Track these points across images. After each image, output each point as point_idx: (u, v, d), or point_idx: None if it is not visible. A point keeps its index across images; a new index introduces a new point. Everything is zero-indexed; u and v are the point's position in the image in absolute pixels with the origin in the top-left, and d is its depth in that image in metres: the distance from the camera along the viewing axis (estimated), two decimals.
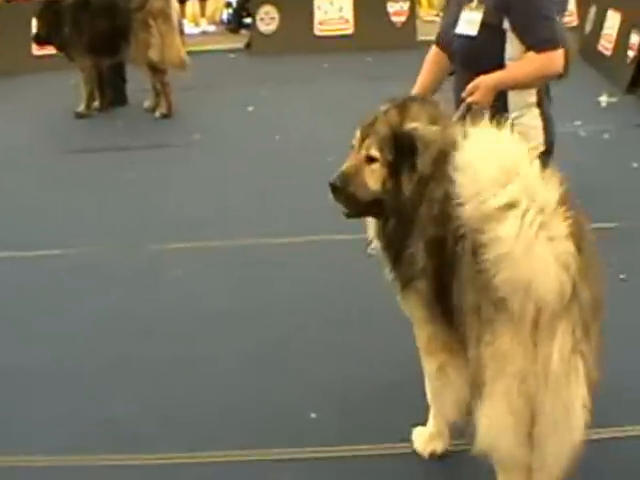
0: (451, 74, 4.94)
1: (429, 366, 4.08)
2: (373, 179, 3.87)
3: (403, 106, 3.96)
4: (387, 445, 4.38)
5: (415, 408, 4.35)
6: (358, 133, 3.96)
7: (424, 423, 4.28)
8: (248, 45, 15.82)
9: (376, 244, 4.10)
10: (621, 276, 5.75)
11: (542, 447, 3.37)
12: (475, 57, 4.49)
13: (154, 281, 6.51)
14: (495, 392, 3.33)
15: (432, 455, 4.24)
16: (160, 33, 11.10)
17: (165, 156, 9.69)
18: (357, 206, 3.94)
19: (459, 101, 4.50)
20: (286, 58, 14.14)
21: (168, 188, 8.54)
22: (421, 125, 3.82)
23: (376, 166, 3.85)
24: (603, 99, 10.45)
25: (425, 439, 4.28)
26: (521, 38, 4.50)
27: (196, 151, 9.81)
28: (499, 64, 4.54)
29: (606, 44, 12.15)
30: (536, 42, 4.47)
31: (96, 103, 11.67)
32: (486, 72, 4.46)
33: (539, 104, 4.59)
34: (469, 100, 4.32)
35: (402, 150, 3.80)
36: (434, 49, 4.90)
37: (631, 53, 11.17)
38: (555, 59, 4.45)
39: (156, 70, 11.19)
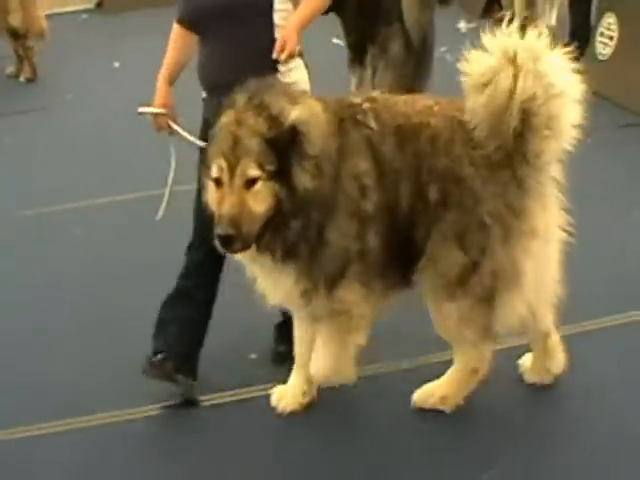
0: None
1: (358, 341, 3.81)
2: (259, 201, 3.38)
3: (255, 106, 3.43)
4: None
5: None
6: (223, 163, 3.38)
7: None
8: (99, 4, 15.25)
9: (263, 262, 3.60)
10: None
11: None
12: (241, 6, 4.01)
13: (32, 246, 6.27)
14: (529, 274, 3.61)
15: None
16: None
17: (38, 119, 9.30)
18: (252, 240, 3.44)
19: (216, 73, 4.06)
20: (140, 12, 13.61)
21: (44, 151, 8.21)
22: (296, 110, 3.42)
23: (259, 185, 3.37)
24: (462, 25, 10.55)
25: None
26: None
27: (70, 111, 9.45)
28: (267, 14, 4.07)
29: None
30: None
31: None
32: (252, 25, 4.03)
33: (301, 54, 4.16)
34: (284, 56, 3.92)
35: (285, 149, 3.37)
36: (177, 30, 4.29)
37: None
38: None
39: (17, 35, 10.72)
